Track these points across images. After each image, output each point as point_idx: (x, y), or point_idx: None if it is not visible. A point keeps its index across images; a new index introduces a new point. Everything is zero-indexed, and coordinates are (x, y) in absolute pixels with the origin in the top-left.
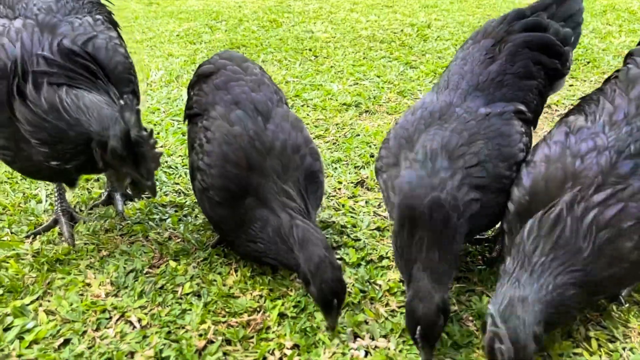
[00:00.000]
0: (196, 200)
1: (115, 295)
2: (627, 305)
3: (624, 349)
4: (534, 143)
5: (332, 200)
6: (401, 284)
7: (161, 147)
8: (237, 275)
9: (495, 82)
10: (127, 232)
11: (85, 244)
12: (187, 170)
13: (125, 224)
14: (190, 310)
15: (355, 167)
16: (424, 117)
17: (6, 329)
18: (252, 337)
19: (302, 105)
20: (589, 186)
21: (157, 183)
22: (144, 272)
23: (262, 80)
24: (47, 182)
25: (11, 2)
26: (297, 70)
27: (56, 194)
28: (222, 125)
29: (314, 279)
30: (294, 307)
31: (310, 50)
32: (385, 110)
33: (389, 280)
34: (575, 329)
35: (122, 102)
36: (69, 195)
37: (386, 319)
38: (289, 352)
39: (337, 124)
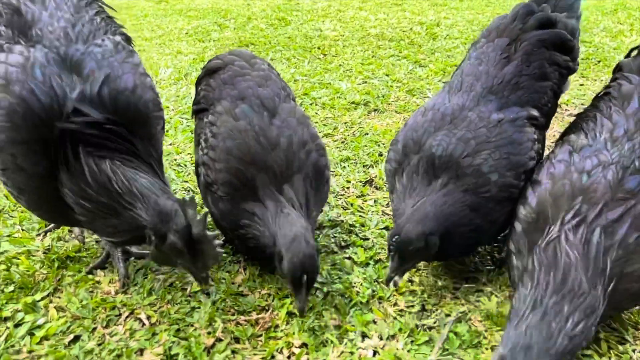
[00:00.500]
0: (200, 192)
1: (125, 293)
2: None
3: (633, 350)
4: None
5: (340, 199)
6: (409, 283)
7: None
8: (245, 274)
9: (510, 85)
10: None
11: (95, 241)
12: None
13: None
14: (199, 308)
15: (364, 166)
16: (434, 119)
17: (17, 325)
18: (261, 335)
19: (311, 104)
20: (598, 201)
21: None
22: (154, 269)
23: (269, 75)
24: None
25: (22, 26)
26: (306, 68)
27: None
28: (227, 120)
29: (286, 253)
30: None
31: (318, 48)
32: (394, 109)
33: None
34: None
35: (186, 198)
36: None
37: (394, 318)
38: (297, 351)
39: (345, 123)
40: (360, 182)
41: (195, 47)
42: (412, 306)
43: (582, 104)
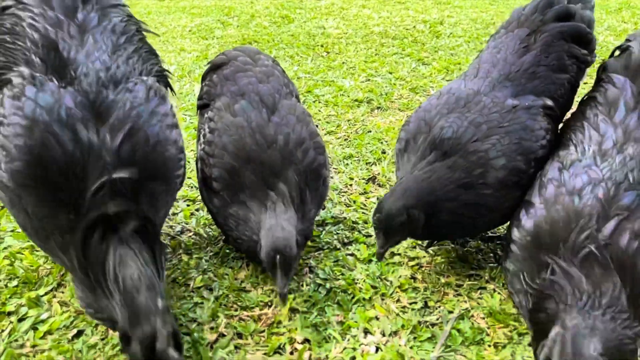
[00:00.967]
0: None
1: None
2: None
3: None
4: None
5: (343, 196)
6: (412, 280)
7: None
8: (248, 270)
9: (528, 73)
10: None
11: None
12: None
13: None
14: (202, 303)
15: (366, 164)
16: (448, 102)
17: (21, 320)
18: (263, 331)
19: (314, 101)
20: (594, 222)
21: None
22: None
23: (272, 72)
24: None
25: (58, 63)
26: (309, 66)
27: None
28: (225, 115)
29: (264, 239)
30: (305, 301)
31: (322, 46)
32: (397, 107)
33: (400, 276)
34: None
35: (162, 303)
36: None
37: (397, 315)
38: (299, 347)
39: (348, 120)
40: (363, 179)
41: (199, 44)
42: (415, 303)
43: None
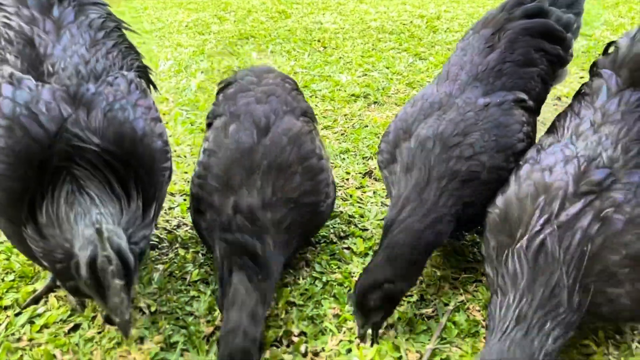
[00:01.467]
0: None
1: None
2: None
3: (632, 340)
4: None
5: (340, 190)
6: None
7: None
8: None
9: (494, 72)
10: None
11: None
12: (196, 159)
13: None
14: (198, 297)
15: (363, 158)
16: (423, 108)
17: (17, 314)
18: None
19: (311, 96)
20: (561, 199)
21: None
22: (153, 259)
23: (274, 90)
24: None
25: (34, 59)
26: (306, 61)
27: None
28: (218, 136)
29: (222, 342)
30: (301, 295)
31: (318, 41)
32: (394, 102)
33: None
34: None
35: (97, 226)
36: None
37: None
38: (296, 339)
39: (345, 115)
40: (360, 173)
41: (195, 39)
42: (411, 296)
43: None
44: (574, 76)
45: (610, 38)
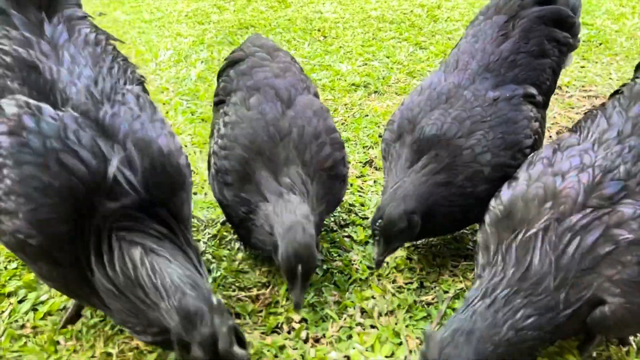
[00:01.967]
0: (209, 182)
1: None
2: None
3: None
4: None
5: None
6: (408, 261)
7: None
8: (245, 251)
9: (507, 62)
10: None
11: None
12: (196, 149)
13: None
14: None
15: (363, 147)
16: (430, 98)
17: (21, 301)
18: (261, 311)
19: None
20: (568, 207)
21: None
22: None
23: (290, 67)
24: None
25: (42, 85)
26: (306, 50)
27: None
28: (239, 109)
29: (282, 241)
30: None
31: (319, 30)
32: (394, 91)
33: (396, 257)
34: None
35: (214, 300)
36: None
37: (393, 295)
38: (297, 326)
39: (345, 104)
40: (360, 162)
41: (195, 29)
42: (411, 283)
43: (582, 87)
44: (575, 65)
45: (612, 27)
